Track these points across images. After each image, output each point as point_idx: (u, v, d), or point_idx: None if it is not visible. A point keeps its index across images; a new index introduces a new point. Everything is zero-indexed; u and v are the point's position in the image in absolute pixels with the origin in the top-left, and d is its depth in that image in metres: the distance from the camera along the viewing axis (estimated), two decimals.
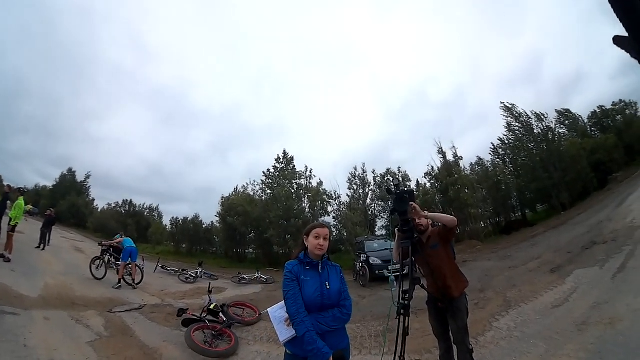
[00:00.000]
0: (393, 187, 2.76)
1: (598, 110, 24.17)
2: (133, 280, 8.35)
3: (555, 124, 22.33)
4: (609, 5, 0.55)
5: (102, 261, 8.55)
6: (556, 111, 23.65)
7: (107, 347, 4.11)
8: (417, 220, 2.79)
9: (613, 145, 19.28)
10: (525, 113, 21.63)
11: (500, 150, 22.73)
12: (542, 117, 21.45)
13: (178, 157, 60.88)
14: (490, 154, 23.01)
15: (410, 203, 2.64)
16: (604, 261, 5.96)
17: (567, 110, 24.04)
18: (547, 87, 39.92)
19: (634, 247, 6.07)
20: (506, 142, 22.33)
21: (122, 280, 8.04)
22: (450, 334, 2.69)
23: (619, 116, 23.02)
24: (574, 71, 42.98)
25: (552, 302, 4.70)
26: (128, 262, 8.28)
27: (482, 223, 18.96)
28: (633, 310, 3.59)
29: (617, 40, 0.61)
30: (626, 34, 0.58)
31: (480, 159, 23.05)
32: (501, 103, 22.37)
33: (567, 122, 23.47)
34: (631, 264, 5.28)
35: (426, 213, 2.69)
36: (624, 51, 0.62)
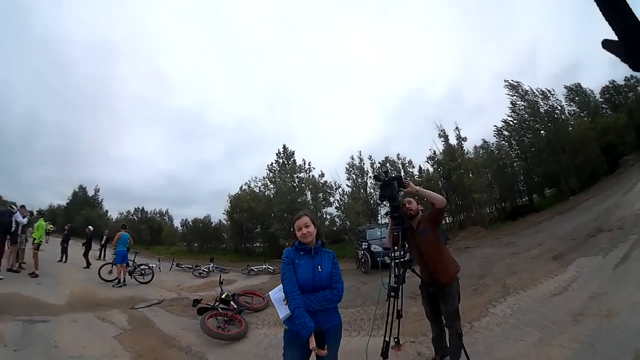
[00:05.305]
0: (381, 174, 2.78)
1: (610, 85, 22.78)
2: (119, 279, 8.38)
3: (564, 102, 21.41)
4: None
5: (112, 265, 8.88)
6: (565, 87, 22.56)
7: (131, 339, 4.42)
8: (407, 205, 2.83)
9: (624, 125, 18.42)
10: (532, 91, 20.75)
11: (505, 132, 21.93)
12: (549, 94, 20.53)
13: (193, 167, 64.20)
14: (494, 136, 22.35)
15: (406, 180, 2.70)
16: (607, 250, 5.84)
17: (578, 85, 22.69)
18: (544, 78, 38.87)
19: (639, 236, 5.93)
20: (511, 123, 21.49)
21: (122, 280, 8.36)
22: (442, 318, 2.77)
23: (631, 93, 21.77)
24: (570, 60, 41.82)
25: (551, 291, 4.67)
26: (121, 264, 8.47)
27: (487, 209, 18.64)
28: (631, 303, 3.52)
29: (606, 44, 0.60)
30: (615, 38, 0.57)
31: (484, 141, 22.50)
32: (505, 81, 21.60)
33: (577, 98, 22.25)
34: (635, 254, 5.13)
35: (418, 188, 2.69)
36: (612, 54, 0.60)
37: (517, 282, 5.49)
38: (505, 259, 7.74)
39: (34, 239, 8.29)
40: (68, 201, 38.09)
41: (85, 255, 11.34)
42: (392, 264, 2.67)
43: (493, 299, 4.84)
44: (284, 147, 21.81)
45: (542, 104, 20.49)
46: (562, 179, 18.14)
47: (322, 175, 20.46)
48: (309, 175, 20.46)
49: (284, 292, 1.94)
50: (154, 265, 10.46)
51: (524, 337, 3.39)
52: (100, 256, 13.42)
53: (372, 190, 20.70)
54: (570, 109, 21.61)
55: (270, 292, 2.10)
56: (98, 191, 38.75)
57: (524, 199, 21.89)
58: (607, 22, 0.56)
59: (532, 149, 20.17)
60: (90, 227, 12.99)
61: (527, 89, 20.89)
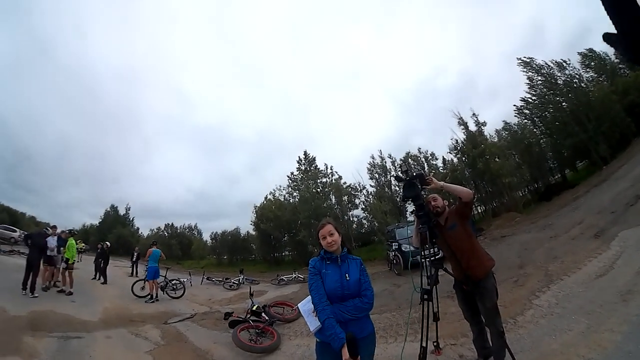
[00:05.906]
0: (402, 173, 2.72)
1: None
2: (151, 295, 8.59)
3: (581, 69, 20.46)
4: None
5: (145, 282, 9.12)
6: (579, 53, 21.43)
7: (164, 354, 4.47)
8: (433, 203, 2.74)
9: None
10: (546, 64, 20.01)
11: (525, 111, 21.12)
12: (565, 64, 19.72)
13: (219, 180, 66.98)
14: (515, 116, 21.54)
15: (428, 177, 2.64)
16: None
17: (591, 50, 21.47)
18: (556, 50, 37.08)
19: None
20: (530, 100, 20.69)
21: (155, 295, 8.58)
22: (481, 317, 2.62)
23: None
24: (578, 26, 39.82)
25: (596, 272, 4.44)
26: (153, 280, 8.71)
27: (518, 192, 17.83)
28: None
29: (607, 37, 0.61)
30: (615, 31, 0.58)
31: (506, 123, 21.84)
32: (518, 59, 20.89)
33: (592, 64, 21.10)
34: None
35: (442, 183, 2.63)
36: (612, 48, 0.62)
37: (559, 268, 5.24)
38: (544, 243, 7.41)
39: (68, 258, 8.49)
40: (100, 220, 40.09)
41: (103, 272, 11.35)
42: (424, 263, 2.59)
43: (536, 289, 4.63)
44: (305, 153, 22.13)
45: (559, 75, 19.66)
46: (591, 148, 17.19)
47: (340, 177, 20.41)
48: (332, 180, 20.47)
49: (312, 303, 1.91)
50: (185, 280, 10.62)
51: (571, 326, 3.22)
52: (132, 273, 13.81)
53: (396, 188, 20.33)
54: (587, 75, 20.55)
55: (299, 304, 2.09)
56: (129, 209, 40.64)
57: (556, 176, 20.80)
58: (608, 16, 0.57)
59: (556, 122, 19.19)
60: (107, 242, 13.22)
61: (541, 63, 20.13)
